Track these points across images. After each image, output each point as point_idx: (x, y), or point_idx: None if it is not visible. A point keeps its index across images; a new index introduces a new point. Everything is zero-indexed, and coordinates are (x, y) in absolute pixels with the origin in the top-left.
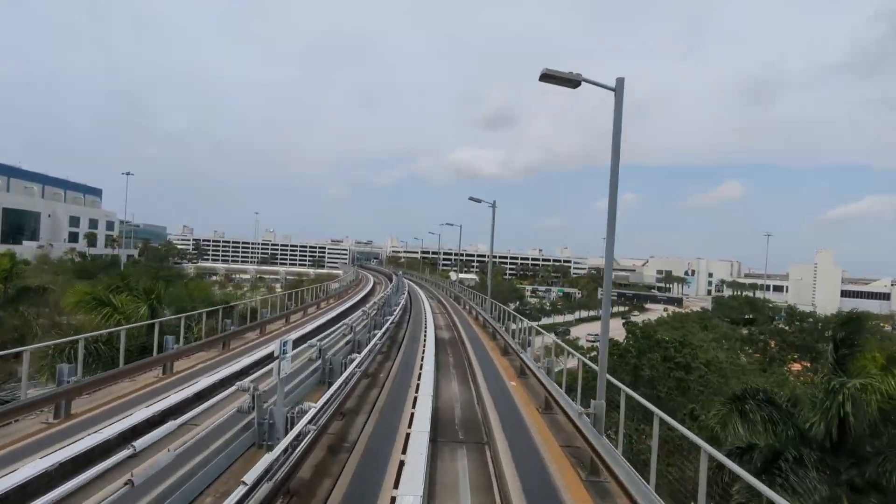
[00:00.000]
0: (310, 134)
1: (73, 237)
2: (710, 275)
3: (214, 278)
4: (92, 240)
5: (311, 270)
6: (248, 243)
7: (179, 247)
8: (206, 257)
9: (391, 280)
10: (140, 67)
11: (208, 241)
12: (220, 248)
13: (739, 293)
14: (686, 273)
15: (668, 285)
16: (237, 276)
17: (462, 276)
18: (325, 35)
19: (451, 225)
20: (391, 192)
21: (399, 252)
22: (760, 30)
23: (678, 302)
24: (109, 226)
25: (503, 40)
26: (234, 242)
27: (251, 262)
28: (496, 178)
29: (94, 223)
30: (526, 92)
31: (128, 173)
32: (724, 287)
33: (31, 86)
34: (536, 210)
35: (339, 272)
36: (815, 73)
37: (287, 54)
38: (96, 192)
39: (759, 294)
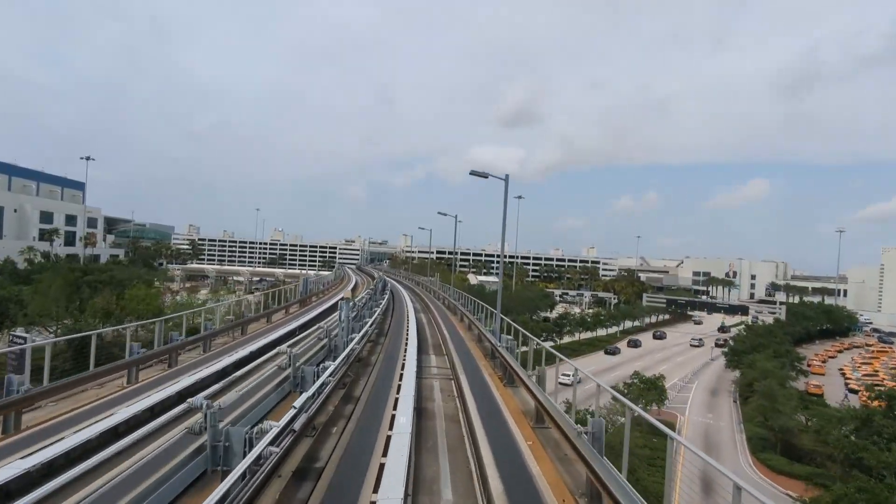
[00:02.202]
0: (330, 135)
1: (50, 235)
2: (753, 277)
3: (209, 280)
4: (70, 238)
5: (312, 272)
6: (256, 243)
7: (182, 247)
8: (201, 258)
9: (383, 287)
10: (159, 70)
11: (214, 240)
12: (227, 249)
13: (796, 298)
14: (727, 275)
15: (708, 288)
16: (232, 277)
17: (482, 278)
18: (343, 36)
19: (488, 174)
20: (409, 193)
21: (412, 252)
22: (793, 21)
23: (742, 310)
24: (91, 223)
25: (525, 38)
26: (241, 242)
27: (258, 263)
28: (515, 177)
29: (71, 220)
30: (547, 90)
31: (88, 157)
32: (775, 290)
33: (53, 88)
34: (556, 210)
35: (328, 274)
36: (850, 66)
37: (307, 55)
38: (78, 186)
39: (811, 299)
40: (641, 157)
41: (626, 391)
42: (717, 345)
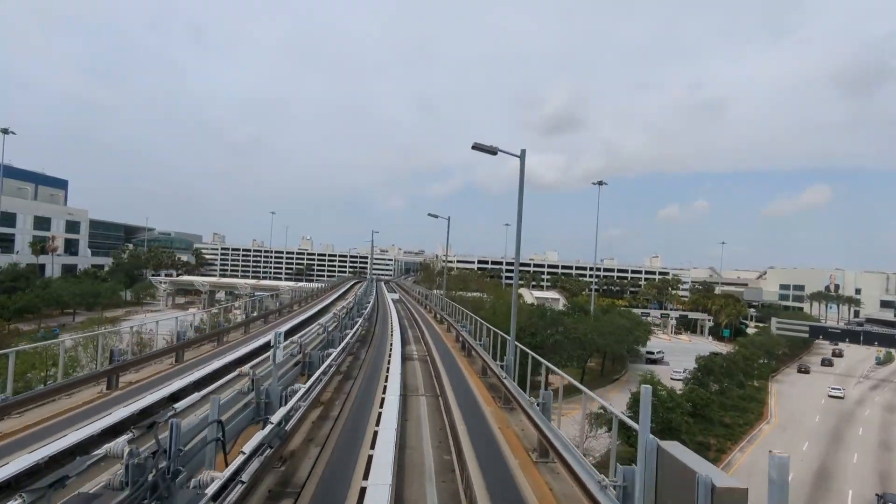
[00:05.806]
0: (367, 145)
1: (29, 239)
2: (858, 291)
3: (203, 296)
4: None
5: (326, 285)
6: (282, 253)
7: (200, 257)
8: (222, 268)
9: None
10: (201, 84)
11: (238, 249)
12: (252, 259)
13: None
14: (827, 288)
15: (808, 304)
16: (235, 291)
17: (537, 293)
18: (379, 47)
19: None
20: (448, 202)
21: (451, 262)
22: (860, 11)
23: None
24: (73, 226)
25: (570, 45)
26: (265, 252)
27: (283, 274)
28: (557, 184)
29: (44, 222)
30: (590, 95)
31: (5, 131)
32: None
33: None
34: (601, 217)
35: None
36: None
37: (344, 68)
38: (59, 184)
39: None
40: (691, 164)
41: None
42: None
